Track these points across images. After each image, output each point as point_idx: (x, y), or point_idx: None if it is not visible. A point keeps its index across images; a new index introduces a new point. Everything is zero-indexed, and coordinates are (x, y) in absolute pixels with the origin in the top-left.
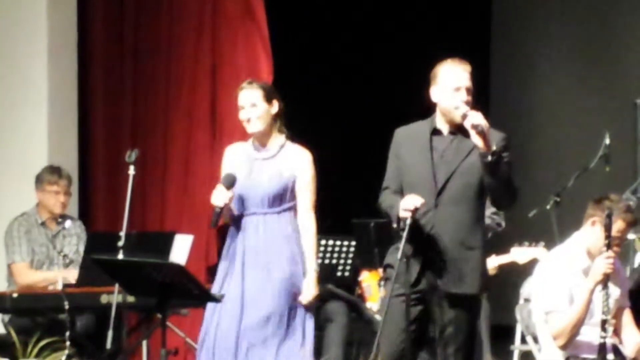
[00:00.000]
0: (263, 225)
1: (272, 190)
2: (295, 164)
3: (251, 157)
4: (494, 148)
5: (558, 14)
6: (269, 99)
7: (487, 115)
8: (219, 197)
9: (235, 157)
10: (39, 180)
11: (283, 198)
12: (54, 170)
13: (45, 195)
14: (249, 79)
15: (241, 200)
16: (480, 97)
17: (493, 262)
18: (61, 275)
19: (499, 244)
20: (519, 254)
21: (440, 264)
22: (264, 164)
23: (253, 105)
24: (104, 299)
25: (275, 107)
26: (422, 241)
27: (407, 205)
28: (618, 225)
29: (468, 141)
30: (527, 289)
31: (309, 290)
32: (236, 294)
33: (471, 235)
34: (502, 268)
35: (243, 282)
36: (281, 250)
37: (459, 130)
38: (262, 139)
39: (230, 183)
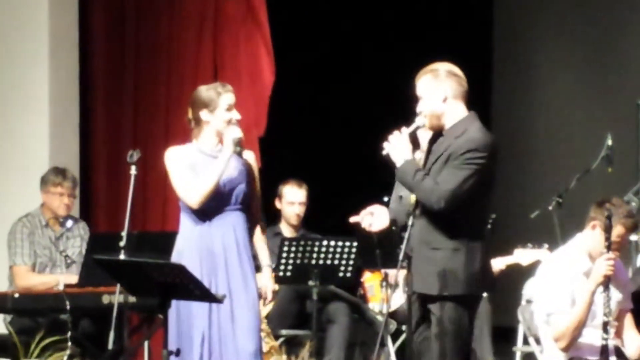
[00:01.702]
0: (238, 223)
1: (245, 188)
2: (251, 163)
3: (212, 156)
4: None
5: (560, 15)
6: None
7: (488, 116)
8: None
9: (191, 158)
10: (44, 181)
11: (248, 196)
12: (59, 172)
13: (50, 196)
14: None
15: (215, 198)
16: (482, 98)
17: (497, 264)
18: (60, 280)
19: (502, 246)
20: (522, 256)
21: (414, 264)
22: (230, 162)
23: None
24: (105, 299)
25: None
26: (408, 243)
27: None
28: (617, 230)
29: (440, 145)
30: (529, 290)
31: (269, 285)
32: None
33: (438, 236)
34: (505, 269)
35: (229, 283)
36: (248, 248)
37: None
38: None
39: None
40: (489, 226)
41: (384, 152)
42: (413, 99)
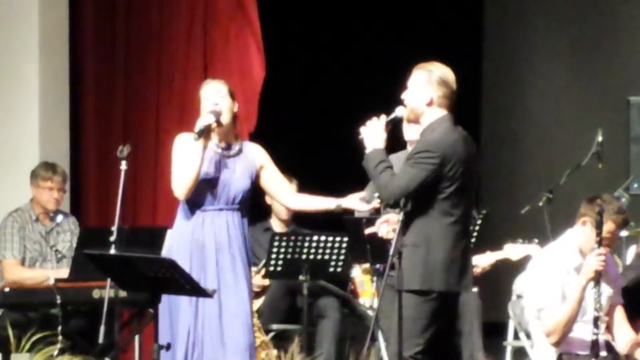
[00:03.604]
0: (232, 222)
1: (245, 188)
2: (258, 158)
3: (215, 152)
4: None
5: (551, 10)
6: (232, 96)
7: (479, 111)
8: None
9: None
10: (34, 175)
11: (247, 196)
12: (48, 167)
13: (39, 191)
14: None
15: (211, 195)
16: (472, 93)
17: (487, 259)
18: (50, 274)
19: (492, 241)
20: (512, 251)
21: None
22: (231, 161)
23: (222, 96)
24: (96, 293)
25: (236, 105)
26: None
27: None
28: (608, 226)
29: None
30: (520, 285)
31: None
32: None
33: (414, 233)
34: (495, 264)
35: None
36: (242, 249)
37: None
38: (225, 135)
39: (217, 115)
40: (477, 223)
41: (359, 136)
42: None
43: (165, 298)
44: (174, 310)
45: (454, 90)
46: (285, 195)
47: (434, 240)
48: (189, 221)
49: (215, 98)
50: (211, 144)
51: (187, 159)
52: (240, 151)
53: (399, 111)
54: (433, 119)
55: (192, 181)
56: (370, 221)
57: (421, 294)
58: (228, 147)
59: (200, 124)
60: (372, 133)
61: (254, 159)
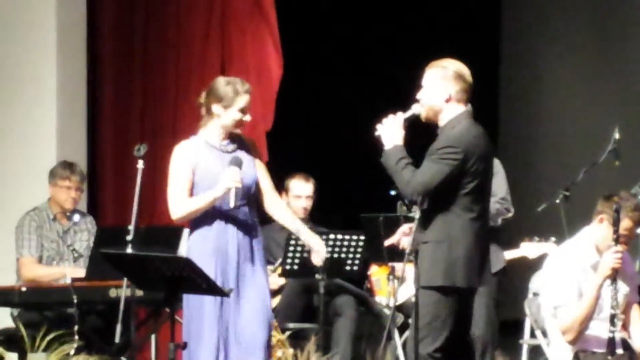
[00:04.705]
0: (250, 217)
1: (255, 178)
2: (252, 149)
3: (220, 150)
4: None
5: (568, 7)
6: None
7: (496, 109)
8: (235, 176)
9: (197, 155)
10: (52, 175)
11: (256, 188)
12: (67, 166)
13: (57, 190)
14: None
15: (228, 195)
16: (489, 93)
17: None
18: (67, 272)
19: (509, 239)
20: (529, 249)
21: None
22: (241, 155)
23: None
24: (112, 292)
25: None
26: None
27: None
28: (625, 223)
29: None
30: (536, 283)
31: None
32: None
33: (436, 229)
34: (512, 262)
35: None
36: (259, 241)
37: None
38: (228, 133)
39: (239, 164)
40: (499, 220)
41: (376, 133)
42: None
43: (189, 300)
44: (197, 312)
45: (470, 84)
46: (268, 196)
47: (456, 237)
48: (212, 223)
49: (249, 115)
50: (216, 143)
51: (203, 197)
52: (241, 143)
53: (415, 108)
54: (453, 115)
55: (194, 215)
56: (388, 220)
57: (443, 291)
58: (232, 142)
59: (229, 186)
60: (390, 130)
61: (249, 150)
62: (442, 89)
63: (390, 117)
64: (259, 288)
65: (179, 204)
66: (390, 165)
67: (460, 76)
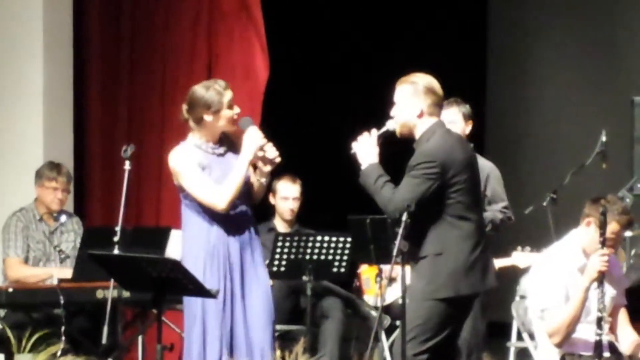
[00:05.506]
0: (247, 215)
1: (247, 176)
2: (240, 149)
3: (215, 153)
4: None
5: (556, 10)
6: None
7: (482, 113)
8: (258, 133)
9: (198, 158)
10: (39, 175)
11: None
12: (53, 167)
13: (44, 191)
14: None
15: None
16: (476, 95)
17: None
18: (52, 273)
19: (496, 242)
20: (520, 259)
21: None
22: (228, 157)
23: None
24: (99, 294)
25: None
26: (402, 238)
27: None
28: (612, 227)
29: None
30: (524, 285)
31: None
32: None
33: (433, 242)
34: (501, 270)
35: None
36: (257, 239)
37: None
38: (214, 135)
39: (252, 122)
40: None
41: (352, 152)
42: None
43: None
44: (199, 312)
45: (441, 97)
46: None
47: (454, 247)
48: (211, 226)
49: (237, 107)
50: (207, 148)
51: (237, 169)
52: (230, 143)
53: (389, 124)
54: (425, 129)
55: (236, 195)
56: (375, 222)
57: (447, 301)
58: (220, 144)
59: (259, 143)
60: (365, 148)
61: (238, 149)
62: (413, 105)
63: (365, 134)
64: (263, 287)
65: (219, 192)
66: (369, 184)
67: (430, 90)
